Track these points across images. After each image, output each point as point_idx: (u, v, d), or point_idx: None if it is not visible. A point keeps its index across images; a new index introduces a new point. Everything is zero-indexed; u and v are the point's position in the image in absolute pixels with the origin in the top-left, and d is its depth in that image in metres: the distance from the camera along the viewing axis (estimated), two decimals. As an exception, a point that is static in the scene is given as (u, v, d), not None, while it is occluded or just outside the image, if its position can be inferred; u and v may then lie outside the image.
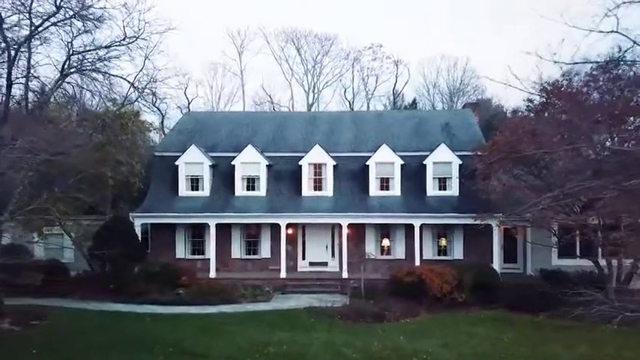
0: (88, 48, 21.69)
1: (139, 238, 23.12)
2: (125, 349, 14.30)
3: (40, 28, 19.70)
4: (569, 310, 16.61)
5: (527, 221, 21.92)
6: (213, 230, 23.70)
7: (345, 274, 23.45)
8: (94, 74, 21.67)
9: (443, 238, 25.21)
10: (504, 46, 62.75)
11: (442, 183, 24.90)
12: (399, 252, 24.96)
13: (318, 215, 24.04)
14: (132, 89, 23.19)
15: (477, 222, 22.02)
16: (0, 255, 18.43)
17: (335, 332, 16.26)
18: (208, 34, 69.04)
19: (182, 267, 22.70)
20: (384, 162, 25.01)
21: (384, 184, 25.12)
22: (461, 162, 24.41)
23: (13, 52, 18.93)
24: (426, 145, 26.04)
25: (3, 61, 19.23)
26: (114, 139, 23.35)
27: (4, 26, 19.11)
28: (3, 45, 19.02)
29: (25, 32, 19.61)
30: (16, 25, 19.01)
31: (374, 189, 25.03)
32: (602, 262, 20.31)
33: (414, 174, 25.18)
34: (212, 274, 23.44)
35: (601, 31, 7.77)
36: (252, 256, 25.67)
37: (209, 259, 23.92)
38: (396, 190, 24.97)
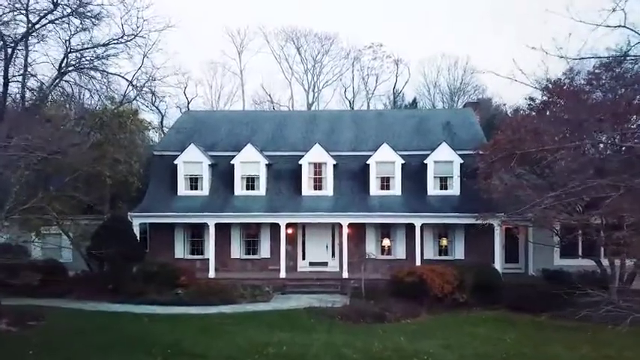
0: (85, 46, 21.53)
1: (138, 238, 22.97)
2: (123, 349, 14.17)
3: (38, 26, 19.56)
4: (575, 310, 16.49)
5: (529, 221, 21.79)
6: (212, 230, 23.55)
7: (345, 274, 23.31)
8: (92, 72, 21.52)
9: (444, 238, 25.07)
10: (504, 46, 62.67)
11: (443, 182, 24.77)
12: (400, 252, 24.82)
13: (318, 215, 23.89)
14: (130, 87, 23.02)
15: (479, 222, 21.89)
16: (-3, 255, 18.25)
17: (335, 333, 16.14)
18: (208, 34, 68.97)
19: (181, 267, 22.59)
20: (385, 161, 24.87)
21: (385, 183, 24.98)
22: (462, 161, 24.28)
23: (9, 50, 18.80)
24: (426, 144, 25.89)
25: (0, 59, 19.07)
26: (112, 137, 23.20)
27: (1, 23, 18.95)
28: (0, 42, 18.86)
29: (22, 29, 19.47)
30: (10, 20, 18.82)
31: (374, 188, 24.89)
32: (605, 262, 20.15)
33: (414, 173, 25.03)
34: (211, 274, 23.31)
35: (608, 26, 7.60)
36: (251, 256, 25.52)
37: (208, 259, 23.78)
38: (396, 189, 24.82)
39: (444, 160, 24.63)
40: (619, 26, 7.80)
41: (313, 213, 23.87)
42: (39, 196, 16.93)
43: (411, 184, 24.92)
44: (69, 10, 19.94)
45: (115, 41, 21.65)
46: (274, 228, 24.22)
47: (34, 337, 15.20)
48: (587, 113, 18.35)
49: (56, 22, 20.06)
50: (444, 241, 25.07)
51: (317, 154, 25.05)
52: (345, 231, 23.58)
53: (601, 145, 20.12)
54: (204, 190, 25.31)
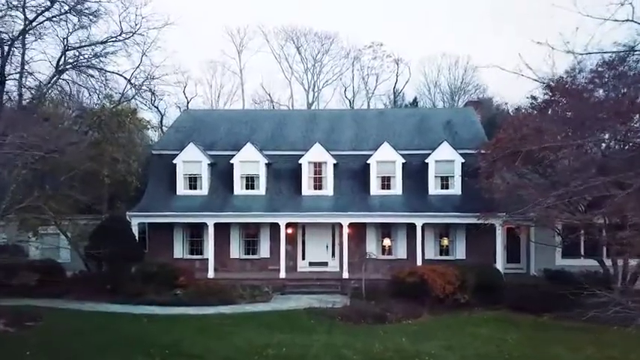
0: (83, 44, 21.33)
1: (136, 238, 22.83)
2: (121, 350, 14.07)
3: (35, 23, 19.38)
4: (580, 311, 16.29)
5: (530, 220, 21.63)
6: (211, 230, 23.40)
7: (345, 275, 23.16)
8: (90, 70, 21.33)
9: (445, 238, 24.92)
10: (504, 46, 62.42)
11: (444, 182, 24.61)
12: (401, 252, 24.67)
13: (318, 214, 23.73)
14: (129, 86, 22.83)
15: (480, 221, 21.74)
16: (-6, 255, 18.12)
17: (335, 334, 16.01)
18: (207, 33, 68.81)
19: (180, 267, 22.46)
20: (385, 160, 24.71)
21: (386, 182, 24.82)
22: (463, 160, 24.12)
23: (6, 47, 18.64)
24: (427, 143, 25.73)
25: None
26: (110, 136, 23.04)
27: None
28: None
29: (19, 26, 19.30)
30: (5, 15, 18.62)
31: (375, 188, 24.73)
32: (608, 262, 20.00)
33: (415, 172, 24.89)
34: (210, 274, 23.16)
35: (616, 20, 7.42)
36: (251, 256, 25.36)
37: (207, 259, 23.63)
38: (397, 188, 24.66)
39: (445, 160, 24.48)
40: (627, 20, 7.64)
41: (313, 213, 23.72)
42: (34, 195, 16.74)
43: (412, 183, 24.77)
44: (66, 8, 19.79)
45: (113, 39, 21.46)
46: (274, 228, 24.06)
47: (32, 337, 15.10)
48: (590, 112, 18.20)
49: (53, 19, 19.90)
50: (445, 241, 24.93)
51: (317, 153, 24.89)
52: (346, 231, 23.42)
53: (603, 144, 20.00)
54: (204, 189, 25.15)
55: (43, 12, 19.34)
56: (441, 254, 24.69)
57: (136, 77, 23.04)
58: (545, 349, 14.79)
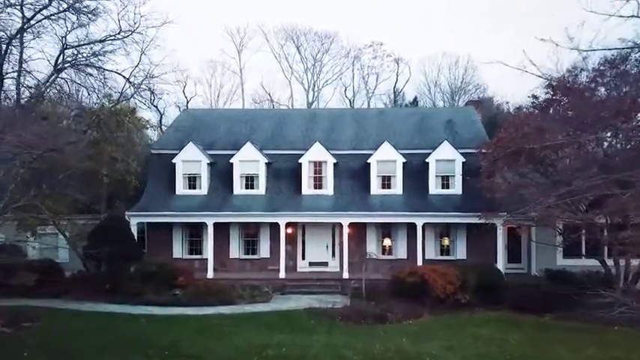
0: (82, 42, 21.22)
1: (135, 238, 22.74)
2: (120, 350, 13.95)
3: (33, 21, 19.29)
4: (582, 311, 16.25)
5: (532, 220, 21.51)
6: (211, 229, 23.28)
7: (345, 275, 23.04)
8: (89, 69, 21.22)
9: (445, 238, 24.80)
10: (504, 46, 62.30)
11: (445, 181, 24.50)
12: (401, 252, 24.55)
13: (319, 214, 23.61)
14: (128, 85, 22.74)
15: (481, 221, 21.62)
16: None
17: (335, 334, 15.89)
18: (207, 32, 68.73)
19: (179, 267, 22.35)
20: (386, 160, 24.60)
21: (386, 182, 24.72)
22: (464, 160, 24.02)
23: (4, 46, 18.52)
24: (428, 142, 25.61)
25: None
26: (109, 136, 22.89)
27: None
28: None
29: (17, 25, 19.16)
30: (3, 13, 18.51)
31: (375, 187, 24.62)
32: (609, 262, 19.89)
33: (416, 172, 24.77)
34: (210, 274, 23.04)
35: (621, 16, 7.32)
36: (250, 256, 25.24)
37: (207, 259, 23.52)
38: (397, 188, 24.55)
39: (445, 159, 24.37)
40: (632, 16, 7.53)
41: (313, 212, 23.59)
42: (31, 193, 16.61)
43: (413, 183, 24.65)
44: (65, 6, 19.68)
45: (112, 37, 21.38)
46: (274, 227, 23.94)
47: (29, 338, 14.97)
48: (592, 111, 18.11)
49: (52, 17, 19.80)
50: (446, 241, 24.81)
51: (317, 152, 24.77)
52: (346, 231, 23.31)
53: (605, 143, 19.90)
54: (203, 189, 25.04)
55: (41, 10, 19.26)
56: (441, 254, 24.57)
57: (134, 76, 23.00)
58: (547, 349, 14.65)
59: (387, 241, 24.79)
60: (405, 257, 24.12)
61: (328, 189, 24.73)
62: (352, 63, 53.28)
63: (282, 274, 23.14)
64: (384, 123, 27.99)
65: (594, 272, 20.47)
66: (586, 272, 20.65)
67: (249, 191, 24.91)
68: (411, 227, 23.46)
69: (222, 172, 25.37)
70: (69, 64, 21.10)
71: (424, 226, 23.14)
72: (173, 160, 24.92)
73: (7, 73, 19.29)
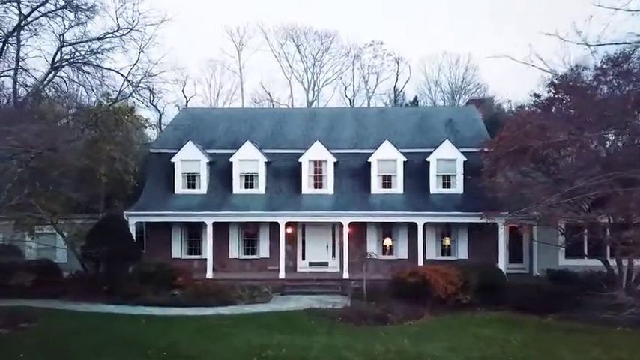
0: (80, 40, 21.05)
1: (134, 238, 22.59)
2: (118, 351, 13.85)
3: (30, 18, 19.10)
4: (586, 312, 16.09)
5: (534, 220, 21.36)
6: (210, 229, 23.11)
7: (346, 275, 22.88)
8: (86, 67, 21.04)
9: (447, 238, 24.65)
10: (504, 45, 62.05)
11: (446, 180, 24.35)
12: (402, 252, 24.40)
13: (319, 214, 23.44)
14: (126, 83, 22.58)
15: (483, 221, 21.47)
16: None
17: (336, 335, 15.76)
18: (207, 32, 68.63)
19: (178, 267, 22.20)
20: (386, 159, 24.45)
21: (387, 181, 24.57)
22: (465, 159, 23.88)
23: (0, 44, 18.32)
24: (429, 141, 25.46)
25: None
26: (107, 134, 22.72)
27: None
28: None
29: (14, 22, 18.98)
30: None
31: (376, 187, 24.47)
32: (612, 262, 19.74)
33: (417, 171, 24.62)
34: (209, 274, 22.88)
35: (629, 10, 7.14)
36: (250, 256, 25.07)
37: (206, 259, 23.36)
38: (398, 187, 24.39)
39: (446, 158, 24.23)
40: (639, 10, 7.37)
41: (313, 212, 23.42)
42: (24, 192, 16.42)
43: (413, 182, 24.50)
44: (62, 3, 19.50)
45: (110, 35, 21.20)
46: (273, 227, 23.78)
47: (26, 338, 14.86)
48: (594, 109, 17.95)
49: (49, 14, 19.62)
50: (447, 241, 24.65)
51: (317, 151, 24.61)
52: (346, 230, 23.15)
53: (608, 142, 19.74)
54: (202, 188, 24.88)
55: (38, 7, 19.10)
56: (442, 254, 24.42)
57: (133, 74, 22.85)
58: (550, 350, 14.53)
59: (387, 241, 24.63)
60: (406, 257, 23.97)
61: (328, 188, 24.57)
62: (352, 62, 53.21)
63: (281, 274, 22.99)
64: (384, 122, 27.83)
65: (596, 272, 20.34)
66: (588, 272, 20.55)
67: (249, 191, 24.75)
68: (412, 227, 23.31)
69: (221, 172, 25.20)
70: (66, 62, 20.94)
71: (425, 225, 22.99)
72: (172, 160, 24.75)
73: (3, 72, 19.16)
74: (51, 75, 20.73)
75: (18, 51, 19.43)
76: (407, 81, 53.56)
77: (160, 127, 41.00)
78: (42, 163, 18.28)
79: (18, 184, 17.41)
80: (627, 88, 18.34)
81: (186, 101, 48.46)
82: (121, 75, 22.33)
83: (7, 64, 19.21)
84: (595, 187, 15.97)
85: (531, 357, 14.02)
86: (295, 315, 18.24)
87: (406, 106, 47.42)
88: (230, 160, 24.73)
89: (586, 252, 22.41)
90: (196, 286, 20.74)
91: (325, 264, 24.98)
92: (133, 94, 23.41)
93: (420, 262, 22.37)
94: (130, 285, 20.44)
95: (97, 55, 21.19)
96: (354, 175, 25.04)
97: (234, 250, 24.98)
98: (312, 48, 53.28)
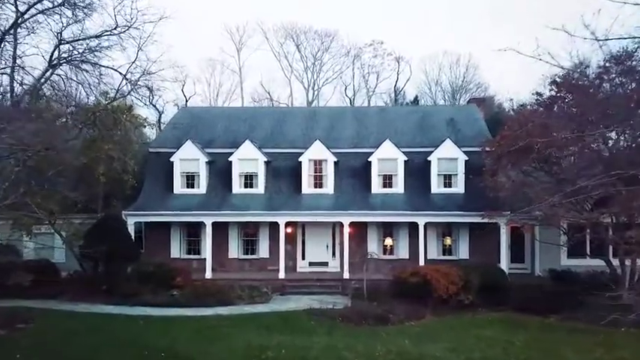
0: (77, 38, 20.88)
1: (132, 237, 22.50)
2: (116, 352, 13.76)
3: (27, 16, 18.94)
4: (593, 312, 15.93)
5: (536, 219, 21.20)
6: (209, 229, 22.96)
7: (346, 275, 22.73)
8: (84, 65, 20.87)
9: (448, 237, 24.48)
10: (504, 45, 61.96)
11: (447, 180, 24.19)
12: (403, 251, 24.25)
13: (319, 213, 23.29)
14: (124, 82, 22.39)
15: (484, 220, 21.31)
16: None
17: (336, 335, 15.63)
18: (206, 31, 68.50)
19: (177, 267, 22.05)
20: (387, 158, 24.28)
21: (387, 181, 24.41)
22: (467, 158, 23.73)
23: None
24: (430, 140, 25.31)
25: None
26: (106, 133, 22.55)
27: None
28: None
29: (11, 20, 18.82)
30: None
31: (376, 186, 24.31)
32: (615, 262, 19.58)
33: (417, 170, 24.45)
34: (208, 274, 22.74)
35: (636, 4, 6.97)
36: (249, 256, 24.92)
37: (205, 258, 23.21)
38: (399, 187, 24.24)
39: (448, 157, 24.07)
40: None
41: (313, 211, 23.26)
42: (20, 191, 16.26)
43: (414, 181, 24.34)
44: (60, 0, 19.30)
45: (108, 33, 21.03)
46: (273, 227, 23.63)
47: (23, 339, 14.76)
48: (597, 107, 17.79)
49: (47, 12, 19.45)
50: (448, 241, 24.49)
51: (317, 150, 24.45)
52: (346, 230, 22.99)
53: (610, 141, 19.58)
54: (201, 188, 24.72)
55: (35, 4, 18.91)
56: (443, 254, 24.26)
57: (131, 73, 22.68)
58: (554, 351, 14.40)
59: (388, 241, 24.46)
60: (407, 257, 23.82)
61: (328, 188, 24.41)
62: (352, 62, 53.14)
63: (281, 275, 22.84)
64: (385, 121, 27.68)
65: (599, 272, 20.22)
66: (591, 272, 20.43)
67: (249, 190, 24.59)
68: (413, 227, 23.14)
69: (220, 171, 25.04)
70: (64, 60, 20.77)
71: (426, 225, 22.82)
72: (171, 159, 24.59)
73: (0, 70, 18.98)
74: (48, 73, 20.58)
75: (15, 49, 19.32)
76: (407, 80, 53.53)
77: (160, 127, 40.82)
78: (40, 162, 18.11)
79: (14, 183, 17.26)
80: (630, 86, 18.19)
81: (186, 100, 48.33)
82: (120, 73, 22.21)
83: (4, 62, 19.11)
84: (598, 186, 15.80)
85: (534, 358, 13.90)
86: (295, 315, 18.11)
87: (407, 106, 47.26)
88: (229, 159, 24.57)
89: (588, 252, 22.19)
90: (195, 287, 20.61)
91: (325, 264, 24.83)
92: (132, 92, 23.25)
93: (421, 262, 22.22)
94: (129, 285, 20.31)
95: (95, 53, 21.06)
96: (355, 174, 24.89)
97: (234, 250, 24.83)
98: (312, 47, 53.25)
